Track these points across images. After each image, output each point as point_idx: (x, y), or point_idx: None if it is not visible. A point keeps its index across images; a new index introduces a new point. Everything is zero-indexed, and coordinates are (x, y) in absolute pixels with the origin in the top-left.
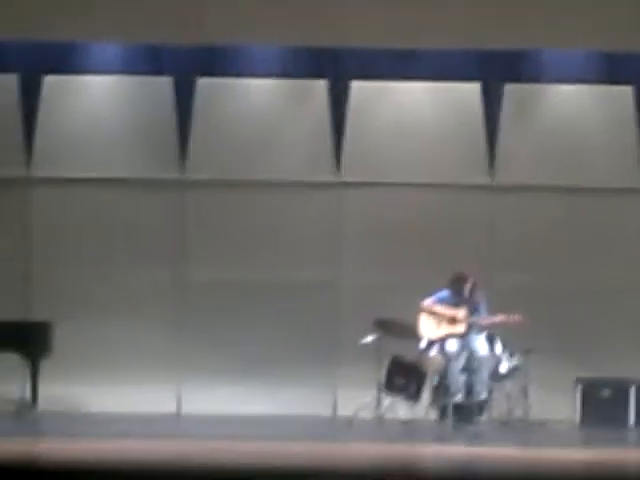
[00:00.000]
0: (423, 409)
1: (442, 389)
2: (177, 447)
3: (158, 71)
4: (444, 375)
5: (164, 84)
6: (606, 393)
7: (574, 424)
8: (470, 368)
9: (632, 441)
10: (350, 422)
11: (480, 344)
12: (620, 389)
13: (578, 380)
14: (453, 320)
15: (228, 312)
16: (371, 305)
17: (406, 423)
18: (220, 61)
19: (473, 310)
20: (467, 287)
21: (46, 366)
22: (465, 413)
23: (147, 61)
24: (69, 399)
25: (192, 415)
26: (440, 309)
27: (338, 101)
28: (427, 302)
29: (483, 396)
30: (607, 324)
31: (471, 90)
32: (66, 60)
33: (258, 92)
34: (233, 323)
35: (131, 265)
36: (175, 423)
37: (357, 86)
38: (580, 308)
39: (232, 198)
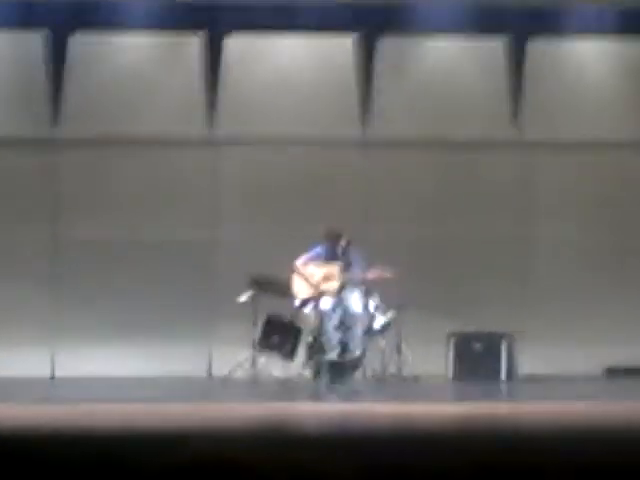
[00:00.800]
0: (298, 367)
1: (317, 347)
2: (51, 411)
3: (30, 26)
4: (319, 333)
5: (36, 39)
6: (478, 347)
7: (447, 379)
8: (344, 325)
9: (503, 394)
10: (225, 381)
11: (354, 301)
12: (492, 343)
13: (450, 334)
14: (327, 277)
15: (103, 272)
16: (247, 263)
17: (281, 382)
18: (94, 15)
19: (347, 266)
20: (341, 242)
21: None
22: (340, 370)
23: (19, 16)
24: None
25: (66, 378)
26: (313, 266)
27: (213, 56)
28: (301, 259)
29: (357, 353)
30: (479, 278)
31: (346, 43)
32: None
33: (132, 47)
34: (108, 283)
35: (5, 224)
36: (49, 386)
37: (232, 40)
38: (453, 262)
39: (107, 156)
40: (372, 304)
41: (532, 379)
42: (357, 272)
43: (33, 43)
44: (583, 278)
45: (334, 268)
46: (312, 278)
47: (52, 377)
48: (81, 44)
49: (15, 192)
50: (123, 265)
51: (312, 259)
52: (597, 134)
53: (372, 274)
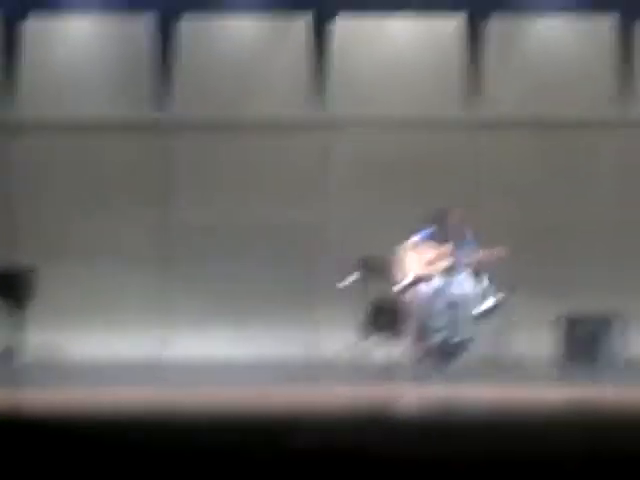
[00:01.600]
0: (405, 350)
1: (425, 328)
2: (164, 394)
3: (139, 9)
4: (427, 314)
5: (145, 23)
6: (588, 329)
7: (556, 361)
8: (453, 307)
9: (613, 378)
10: (333, 363)
11: (465, 281)
12: (601, 325)
13: (560, 317)
14: (437, 258)
15: (214, 255)
16: (357, 245)
17: (387, 365)
18: None
19: (458, 247)
20: (452, 223)
21: (30, 312)
22: (447, 353)
23: (128, 0)
24: (54, 346)
25: (176, 360)
26: (424, 247)
27: (320, 38)
28: (411, 240)
29: (466, 334)
30: (588, 260)
31: (453, 24)
32: (46, 0)
33: (240, 30)
34: (219, 266)
35: (116, 208)
36: (161, 369)
37: (339, 22)
38: (562, 244)
39: (215, 139)
40: (483, 285)
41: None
42: (468, 253)
43: (142, 26)
44: None
45: (444, 249)
46: (422, 259)
47: (161, 360)
48: (190, 27)
49: (125, 176)
50: (232, 249)
51: (424, 240)
52: None
53: (484, 254)
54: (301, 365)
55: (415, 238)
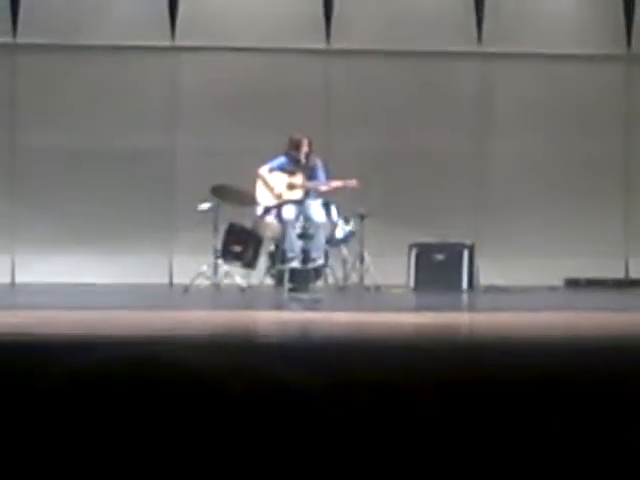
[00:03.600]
0: (260, 275)
1: (279, 255)
2: (12, 317)
3: None
4: (281, 241)
5: None
6: (439, 257)
7: (409, 289)
8: (307, 234)
9: (464, 304)
10: (187, 290)
11: (316, 210)
12: (453, 253)
13: (412, 245)
14: (290, 186)
15: (62, 180)
16: (208, 172)
17: (243, 290)
18: None
19: (310, 176)
20: (303, 152)
21: None
22: (302, 279)
23: None
24: None
25: (25, 285)
26: (276, 175)
27: None
28: (263, 168)
29: (320, 262)
30: (440, 189)
31: None
32: None
33: None
34: (68, 191)
35: None
36: (9, 293)
37: None
38: (414, 173)
39: (65, 63)
40: (335, 213)
41: (492, 290)
42: (320, 181)
43: None
44: (542, 191)
45: (297, 177)
46: (275, 187)
47: (12, 283)
48: None
49: None
50: (82, 173)
51: (275, 169)
52: (555, 47)
53: (335, 183)
54: (157, 290)
55: (266, 166)
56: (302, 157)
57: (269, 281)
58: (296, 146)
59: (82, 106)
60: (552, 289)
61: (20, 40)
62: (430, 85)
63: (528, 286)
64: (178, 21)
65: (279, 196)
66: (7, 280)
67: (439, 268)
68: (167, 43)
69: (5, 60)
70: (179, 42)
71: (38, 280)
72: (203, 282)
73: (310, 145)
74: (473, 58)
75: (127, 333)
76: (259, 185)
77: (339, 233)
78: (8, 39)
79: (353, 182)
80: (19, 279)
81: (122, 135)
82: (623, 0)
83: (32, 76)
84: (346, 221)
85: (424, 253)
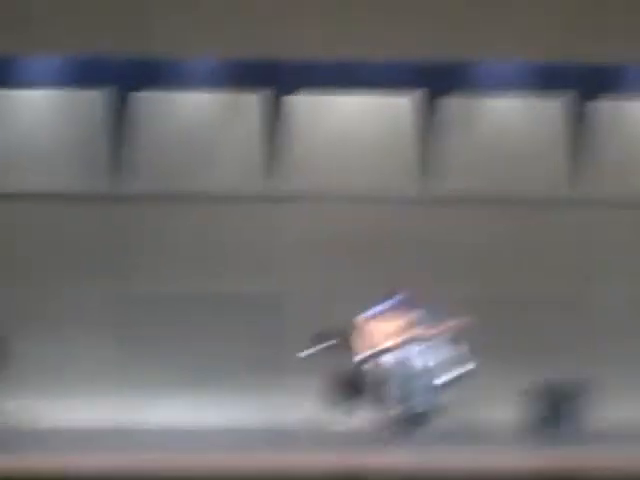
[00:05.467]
0: (363, 421)
1: (381, 401)
2: (129, 460)
3: (92, 84)
4: (384, 386)
5: (99, 97)
6: (553, 398)
7: (520, 430)
8: (415, 377)
9: (582, 446)
10: (291, 433)
11: (426, 352)
12: (565, 395)
13: (524, 387)
14: (399, 329)
15: (167, 324)
16: (312, 317)
17: (348, 434)
18: (156, 74)
19: (420, 318)
20: (404, 299)
21: (2, 381)
22: (411, 422)
23: (81, 73)
24: (24, 413)
25: (141, 428)
26: (386, 318)
27: (273, 114)
28: (366, 315)
29: (425, 406)
30: (549, 332)
31: (406, 103)
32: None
33: (193, 106)
34: (173, 336)
35: (72, 278)
36: (127, 436)
37: (292, 99)
38: (524, 319)
39: (169, 211)
40: (440, 357)
41: (611, 430)
42: (430, 324)
43: (95, 101)
44: None
45: (406, 320)
46: (377, 334)
47: (118, 427)
48: (142, 102)
49: (85, 246)
50: (187, 319)
51: (384, 312)
52: None
53: (448, 325)
54: (265, 433)
55: (375, 310)
56: (412, 300)
57: (374, 425)
58: (406, 289)
59: (187, 253)
60: None
61: (125, 191)
62: (526, 230)
63: None
64: (277, 169)
65: (389, 339)
66: (113, 424)
67: (554, 409)
68: (268, 191)
69: (112, 210)
70: (280, 190)
71: (147, 422)
72: (307, 426)
73: (413, 292)
74: (571, 205)
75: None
76: (361, 333)
77: (446, 377)
78: (115, 190)
79: (467, 320)
80: (125, 423)
81: (227, 281)
82: None
83: (137, 225)
84: (454, 364)
85: (535, 395)
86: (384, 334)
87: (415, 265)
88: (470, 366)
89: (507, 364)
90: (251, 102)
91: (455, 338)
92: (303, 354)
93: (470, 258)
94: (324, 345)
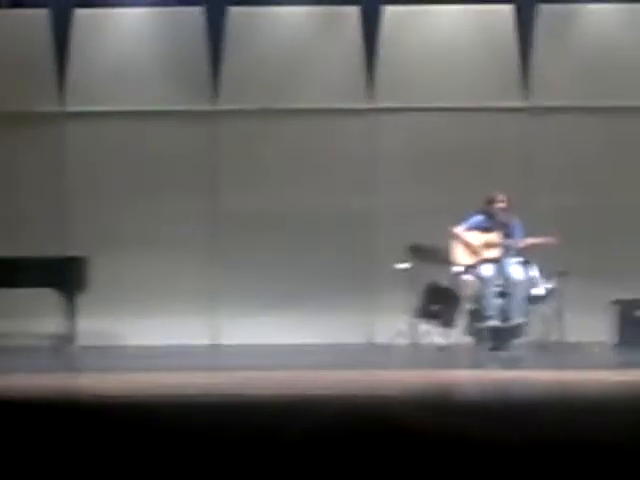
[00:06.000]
0: (458, 334)
1: (477, 314)
2: (212, 379)
3: (189, 1)
4: (479, 300)
5: (195, 14)
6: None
7: (611, 346)
8: (505, 292)
9: None
10: (386, 349)
11: (515, 268)
12: None
13: (614, 302)
14: (487, 244)
15: (261, 242)
16: (406, 231)
17: (442, 349)
18: None
19: (507, 233)
20: (498, 208)
21: (82, 301)
22: (501, 337)
23: None
24: (105, 333)
25: (227, 346)
26: (473, 233)
27: (370, 26)
28: (460, 227)
29: (519, 320)
30: None
31: (504, 12)
32: None
33: (289, 19)
34: (267, 253)
35: (164, 197)
36: (210, 355)
37: (389, 10)
38: (616, 230)
39: (265, 127)
40: (533, 271)
41: None
42: (517, 239)
43: (192, 18)
44: None
45: (494, 236)
46: (473, 245)
47: (212, 345)
48: (238, 17)
49: (175, 164)
50: (282, 236)
51: (471, 227)
52: None
53: (533, 240)
54: (357, 350)
55: (463, 225)
56: (498, 214)
57: (468, 340)
58: (491, 203)
59: (282, 170)
60: None
61: (221, 107)
62: (627, 140)
63: None
64: (376, 83)
65: (477, 254)
66: (208, 342)
67: None
68: (366, 105)
69: (207, 126)
70: (378, 103)
71: (241, 342)
72: (402, 341)
73: (507, 202)
74: None
75: (331, 392)
76: (456, 244)
77: (539, 291)
78: (209, 106)
79: (552, 239)
80: (221, 341)
81: (322, 196)
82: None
83: (233, 141)
84: (546, 279)
85: (626, 310)
86: (481, 245)
87: (512, 177)
88: (554, 282)
89: (598, 278)
90: (346, 16)
91: (539, 254)
92: (398, 266)
93: (569, 168)
94: (415, 261)
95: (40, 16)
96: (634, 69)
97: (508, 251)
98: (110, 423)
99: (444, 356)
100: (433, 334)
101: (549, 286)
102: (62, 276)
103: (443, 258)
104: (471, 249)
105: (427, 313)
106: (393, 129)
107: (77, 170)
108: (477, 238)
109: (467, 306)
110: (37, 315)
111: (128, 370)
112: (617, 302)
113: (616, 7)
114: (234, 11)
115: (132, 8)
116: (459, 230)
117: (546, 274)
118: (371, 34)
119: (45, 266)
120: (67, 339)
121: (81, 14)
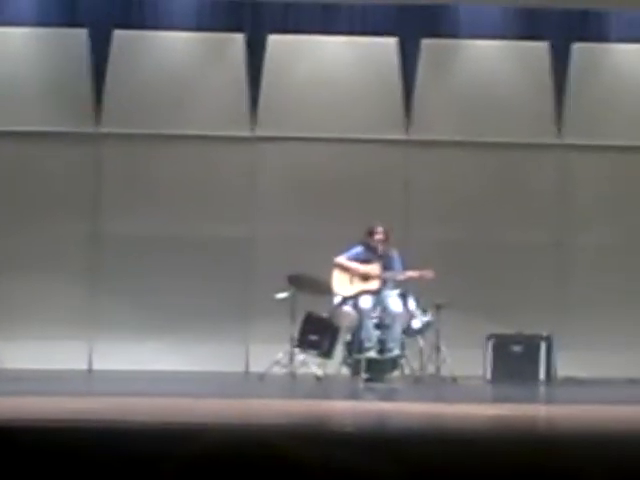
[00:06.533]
0: (336, 365)
1: (355, 345)
2: (87, 404)
3: (73, 23)
4: (357, 331)
5: (79, 36)
6: (517, 349)
7: (486, 380)
8: (383, 324)
9: (542, 396)
10: (262, 378)
11: (393, 300)
12: (531, 345)
13: (489, 336)
14: (366, 276)
15: (142, 267)
16: (285, 260)
17: (319, 379)
18: (136, 13)
19: (386, 265)
20: (377, 240)
21: None
22: (378, 369)
23: (62, 12)
24: None
25: (104, 372)
26: (353, 265)
27: (255, 55)
28: (340, 258)
29: (396, 352)
30: (519, 281)
31: (388, 45)
32: None
33: (175, 45)
34: (147, 278)
35: (46, 218)
36: (87, 380)
37: (274, 39)
38: (491, 265)
39: (148, 152)
40: (411, 304)
41: (570, 382)
42: (396, 272)
43: (76, 40)
44: (623, 284)
45: (373, 267)
46: (351, 277)
47: (89, 370)
48: (124, 41)
49: (56, 187)
50: (161, 261)
51: (351, 258)
52: (636, 137)
53: (411, 273)
54: (234, 379)
55: (343, 256)
56: (377, 245)
57: (345, 370)
58: (371, 235)
59: (164, 195)
60: (632, 382)
61: (104, 130)
62: (509, 177)
63: (607, 378)
64: (259, 112)
65: (356, 286)
66: (85, 367)
67: (516, 360)
68: (248, 133)
69: (89, 150)
70: (260, 132)
71: (115, 368)
72: (279, 370)
73: (386, 234)
74: (553, 150)
75: (207, 420)
76: (336, 274)
77: (416, 324)
78: (93, 129)
79: (429, 273)
80: (97, 366)
81: (202, 222)
82: None
83: (116, 164)
84: (423, 312)
85: (501, 344)
86: (361, 276)
87: (391, 209)
88: (432, 315)
89: (475, 312)
90: (233, 42)
91: (417, 287)
92: (278, 296)
93: (448, 202)
94: (294, 290)
95: None
96: (513, 105)
97: (387, 283)
98: None
99: (321, 386)
100: (311, 364)
101: (426, 319)
102: None
103: (323, 288)
104: (352, 277)
105: (305, 343)
106: (275, 158)
107: None
108: (357, 269)
109: (345, 337)
110: None
111: (2, 394)
112: (492, 336)
113: (499, 44)
114: (119, 34)
115: (16, 27)
116: (339, 260)
117: (423, 307)
118: (255, 62)
119: None
120: None
121: None
